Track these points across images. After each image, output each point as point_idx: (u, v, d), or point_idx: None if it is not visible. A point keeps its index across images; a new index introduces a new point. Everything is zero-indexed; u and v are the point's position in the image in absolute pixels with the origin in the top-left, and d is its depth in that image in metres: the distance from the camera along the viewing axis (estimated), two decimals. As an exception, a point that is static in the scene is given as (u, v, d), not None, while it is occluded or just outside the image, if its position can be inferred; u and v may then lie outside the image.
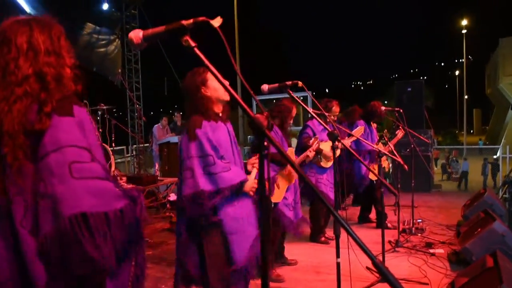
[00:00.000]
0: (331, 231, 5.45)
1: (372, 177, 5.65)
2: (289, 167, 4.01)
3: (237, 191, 2.52)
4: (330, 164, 5.03)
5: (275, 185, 3.97)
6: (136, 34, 1.26)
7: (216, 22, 1.22)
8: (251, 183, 2.59)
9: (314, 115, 3.19)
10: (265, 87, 2.70)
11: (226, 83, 1.25)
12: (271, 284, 4.05)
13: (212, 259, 2.54)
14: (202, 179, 2.43)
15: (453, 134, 45.09)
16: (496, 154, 19.00)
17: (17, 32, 1.41)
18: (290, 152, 4.21)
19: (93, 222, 1.27)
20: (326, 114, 3.57)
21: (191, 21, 1.22)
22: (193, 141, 2.49)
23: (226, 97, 2.62)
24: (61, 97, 1.38)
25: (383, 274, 1.12)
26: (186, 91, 2.63)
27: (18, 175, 1.32)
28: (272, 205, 4.04)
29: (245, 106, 1.17)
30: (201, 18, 1.22)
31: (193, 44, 1.20)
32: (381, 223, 5.84)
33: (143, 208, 1.44)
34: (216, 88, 2.58)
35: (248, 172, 2.69)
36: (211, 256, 2.54)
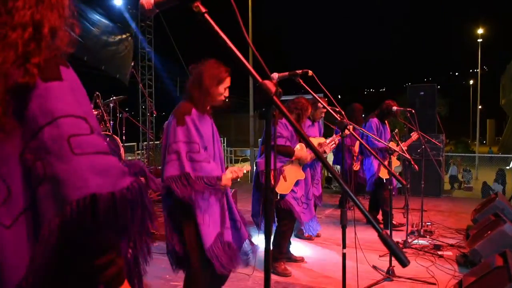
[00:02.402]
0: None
1: (382, 175, 5.60)
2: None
3: (213, 183, 2.60)
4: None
5: (281, 177, 3.96)
6: (148, 0, 1.26)
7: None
8: (226, 179, 2.69)
9: (328, 108, 3.19)
10: (275, 75, 2.71)
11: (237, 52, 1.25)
12: (278, 278, 4.03)
13: (190, 238, 2.67)
14: (187, 163, 2.53)
15: (465, 143, 44.60)
16: (509, 165, 18.80)
17: None
18: (302, 146, 4.18)
19: (102, 204, 1.11)
20: (340, 109, 3.56)
21: (202, -14, 1.21)
22: (181, 126, 2.57)
23: (227, 94, 2.76)
24: (47, 57, 1.18)
25: (389, 245, 1.10)
26: (199, 76, 2.67)
27: None
28: (279, 196, 4.04)
29: (254, 73, 1.16)
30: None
31: (203, 10, 1.20)
32: (388, 223, 5.80)
33: (152, 180, 1.33)
34: (221, 93, 2.71)
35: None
36: (190, 236, 2.67)
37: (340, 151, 6.04)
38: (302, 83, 2.60)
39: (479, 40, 28.60)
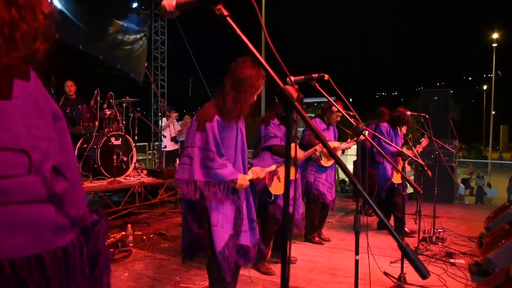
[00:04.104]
0: (327, 232, 5.43)
1: (395, 180, 5.55)
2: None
3: (228, 187, 2.63)
4: (330, 163, 5.02)
5: (275, 178, 3.95)
6: (169, 2, 1.25)
7: (250, -10, 1.20)
8: (243, 180, 2.71)
9: (344, 113, 3.17)
10: (291, 78, 2.69)
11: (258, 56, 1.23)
12: (277, 280, 4.02)
13: (205, 238, 2.70)
14: (198, 170, 2.58)
15: (477, 149, 44.17)
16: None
17: None
18: (293, 147, 4.20)
19: (16, 271, 0.90)
20: (354, 113, 3.55)
21: (225, -11, 1.20)
22: (200, 132, 2.61)
23: (255, 98, 2.75)
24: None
25: (410, 257, 1.08)
26: (239, 81, 2.63)
27: None
28: (273, 198, 4.05)
29: (276, 78, 1.15)
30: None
31: (226, 13, 1.18)
32: (399, 229, 5.74)
33: (99, 240, 1.08)
34: (253, 101, 2.72)
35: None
36: (205, 236, 2.71)
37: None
38: (317, 87, 2.58)
39: (494, 45, 28.30)
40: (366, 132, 3.88)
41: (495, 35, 28.15)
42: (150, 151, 12.48)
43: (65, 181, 1.03)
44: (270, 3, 12.82)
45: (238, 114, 2.70)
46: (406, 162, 3.92)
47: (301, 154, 4.42)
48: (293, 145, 4.16)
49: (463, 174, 19.11)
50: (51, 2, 1.04)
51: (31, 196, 0.93)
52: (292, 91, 1.13)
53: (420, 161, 4.05)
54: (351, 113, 3.74)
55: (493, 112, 33.25)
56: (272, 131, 3.99)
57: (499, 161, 24.29)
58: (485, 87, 47.40)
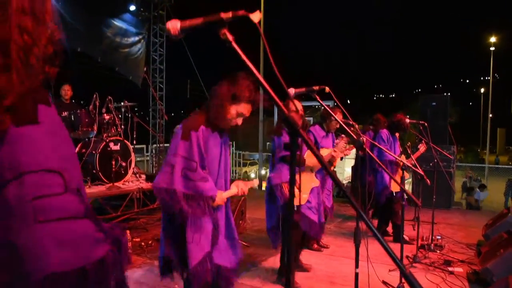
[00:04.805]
0: (325, 238, 5.42)
1: (393, 189, 5.57)
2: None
3: (206, 202, 2.54)
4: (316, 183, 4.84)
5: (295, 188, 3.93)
6: (174, 25, 1.24)
7: (256, 17, 1.20)
8: (221, 198, 2.63)
9: (342, 123, 3.17)
10: (291, 91, 2.69)
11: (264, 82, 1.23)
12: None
13: (181, 255, 2.62)
14: (178, 180, 2.48)
15: (474, 152, 44.31)
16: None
17: None
18: (310, 154, 4.14)
19: (63, 284, 0.96)
20: (353, 123, 3.54)
21: (229, 14, 1.20)
22: (184, 141, 2.52)
23: (239, 122, 2.64)
24: (22, 91, 0.96)
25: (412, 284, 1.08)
26: (218, 92, 2.58)
27: None
28: (295, 208, 4.01)
29: (281, 104, 1.15)
30: (240, 12, 1.20)
31: (230, 38, 1.18)
32: (398, 237, 5.75)
33: (127, 251, 1.15)
34: (239, 113, 2.59)
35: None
36: (181, 253, 2.62)
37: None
38: (318, 99, 2.58)
39: (492, 48, 28.38)
40: (364, 138, 3.90)
41: (493, 39, 28.23)
42: (148, 154, 12.48)
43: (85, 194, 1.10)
44: (267, 4, 12.79)
45: (220, 122, 2.60)
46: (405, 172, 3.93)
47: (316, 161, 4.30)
48: (309, 152, 4.08)
49: (460, 177, 19.13)
50: (58, 27, 1.08)
51: (71, 213, 0.99)
52: (297, 118, 1.14)
53: (420, 171, 4.05)
54: (350, 122, 3.74)
55: (490, 115, 33.33)
56: (284, 141, 3.90)
57: (495, 166, 24.37)
58: (482, 90, 47.55)
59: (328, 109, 2.86)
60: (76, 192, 1.02)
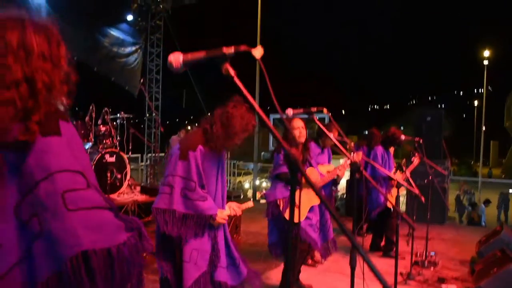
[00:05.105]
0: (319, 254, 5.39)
1: (389, 204, 5.58)
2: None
3: (206, 222, 2.57)
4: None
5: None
6: (176, 58, 1.26)
7: (258, 52, 1.22)
8: (221, 217, 2.64)
9: (335, 141, 3.19)
10: (289, 111, 2.72)
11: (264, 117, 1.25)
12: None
13: (176, 274, 2.65)
14: (178, 200, 2.52)
15: (468, 164, 44.52)
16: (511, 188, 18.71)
17: (7, 27, 1.21)
18: (313, 172, 4.12)
19: (96, 261, 1.12)
20: (348, 141, 3.56)
21: (232, 49, 1.22)
22: (182, 161, 2.56)
23: (238, 143, 2.68)
24: (47, 111, 1.20)
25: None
26: (230, 120, 2.60)
27: None
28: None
29: (281, 140, 1.16)
30: (242, 47, 1.22)
31: (232, 72, 1.20)
32: (388, 251, 5.77)
33: (147, 240, 1.31)
34: (242, 139, 2.66)
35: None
36: (176, 272, 2.64)
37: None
38: (316, 120, 2.60)
39: (485, 62, 28.66)
40: (359, 155, 3.92)
41: (487, 53, 28.51)
42: (143, 163, 12.45)
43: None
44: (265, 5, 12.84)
45: (222, 145, 2.65)
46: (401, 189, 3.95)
47: (319, 179, 4.24)
48: (311, 169, 4.07)
49: (454, 190, 19.14)
50: (68, 50, 1.33)
51: (95, 204, 1.17)
52: (298, 154, 1.15)
53: (415, 189, 4.07)
54: (344, 140, 3.77)
55: (484, 128, 33.58)
56: (282, 159, 3.90)
57: (488, 179, 24.49)
58: (476, 102, 47.92)
59: (324, 129, 2.88)
60: (97, 190, 1.22)
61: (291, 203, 1.23)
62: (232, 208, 2.80)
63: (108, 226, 1.18)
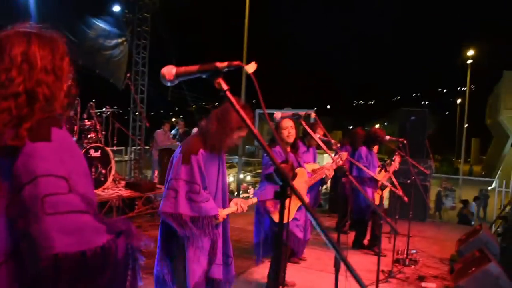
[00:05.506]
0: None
1: (377, 202, 5.64)
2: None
3: (210, 222, 2.66)
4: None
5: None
6: (169, 71, 1.27)
7: (251, 67, 1.24)
8: (221, 216, 2.73)
9: (319, 142, 3.23)
10: (278, 115, 2.76)
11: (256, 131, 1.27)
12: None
13: (179, 274, 2.73)
14: (183, 203, 2.59)
15: (449, 161, 45.22)
16: (491, 185, 19.11)
17: (13, 43, 1.29)
18: (301, 172, 4.14)
19: (66, 264, 1.14)
20: (333, 141, 3.61)
21: (225, 64, 1.24)
22: (185, 165, 2.63)
23: (238, 142, 2.79)
24: (40, 118, 1.26)
25: None
26: (225, 114, 2.67)
27: None
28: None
29: (272, 155, 1.19)
30: (235, 62, 1.24)
31: (225, 87, 1.22)
32: (372, 246, 5.88)
33: (137, 239, 1.31)
34: (240, 137, 2.74)
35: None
36: (179, 271, 2.73)
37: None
38: (305, 125, 2.65)
39: (469, 61, 29.07)
40: (344, 157, 3.97)
41: (471, 52, 28.92)
42: (127, 156, 12.38)
43: (90, 199, 1.30)
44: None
45: (221, 145, 2.73)
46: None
47: (308, 179, 4.26)
48: (301, 169, 4.11)
49: (435, 186, 19.45)
50: (72, 64, 1.41)
51: (73, 208, 1.19)
52: (288, 170, 1.18)
53: (398, 191, 4.14)
54: (329, 140, 3.81)
55: (466, 125, 34.11)
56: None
57: (468, 177, 24.99)
58: (459, 100, 48.56)
59: (310, 131, 2.92)
60: (79, 195, 1.23)
61: (280, 218, 1.26)
62: (239, 205, 2.86)
63: (85, 229, 1.20)
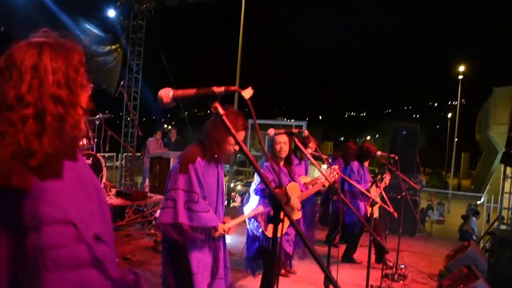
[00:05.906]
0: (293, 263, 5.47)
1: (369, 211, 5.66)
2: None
3: (209, 233, 2.63)
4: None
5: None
6: (167, 93, 1.29)
7: (247, 93, 1.26)
8: (223, 228, 2.71)
9: (310, 157, 3.25)
10: (271, 131, 2.78)
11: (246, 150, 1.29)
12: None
13: (185, 281, 2.69)
14: (182, 213, 2.56)
15: (439, 174, 45.52)
16: (480, 200, 19.27)
17: (24, 56, 1.16)
18: (295, 186, 4.14)
19: None
20: (324, 156, 3.63)
21: (222, 88, 1.25)
22: (183, 174, 2.61)
23: (237, 148, 2.77)
24: (51, 152, 1.12)
25: None
26: (215, 122, 2.66)
27: None
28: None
29: (266, 180, 1.20)
30: (232, 88, 1.26)
31: (222, 111, 1.24)
32: (382, 259, 5.87)
33: None
34: (233, 143, 2.71)
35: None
36: (185, 279, 2.68)
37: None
38: (297, 142, 2.67)
39: (460, 77, 29.44)
40: (337, 167, 3.99)
41: (462, 68, 29.30)
42: (118, 162, 12.34)
43: (105, 246, 1.19)
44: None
45: (217, 152, 2.72)
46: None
47: (300, 194, 4.28)
48: (294, 184, 4.13)
49: (424, 200, 19.52)
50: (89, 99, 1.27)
51: (78, 261, 1.10)
52: (282, 194, 1.20)
53: (389, 207, 4.17)
54: (321, 156, 3.83)
55: (456, 139, 34.42)
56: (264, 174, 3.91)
57: (458, 192, 25.20)
58: (449, 115, 49.05)
59: (302, 148, 2.95)
60: (89, 242, 1.13)
61: (273, 241, 1.27)
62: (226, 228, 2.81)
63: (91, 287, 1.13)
